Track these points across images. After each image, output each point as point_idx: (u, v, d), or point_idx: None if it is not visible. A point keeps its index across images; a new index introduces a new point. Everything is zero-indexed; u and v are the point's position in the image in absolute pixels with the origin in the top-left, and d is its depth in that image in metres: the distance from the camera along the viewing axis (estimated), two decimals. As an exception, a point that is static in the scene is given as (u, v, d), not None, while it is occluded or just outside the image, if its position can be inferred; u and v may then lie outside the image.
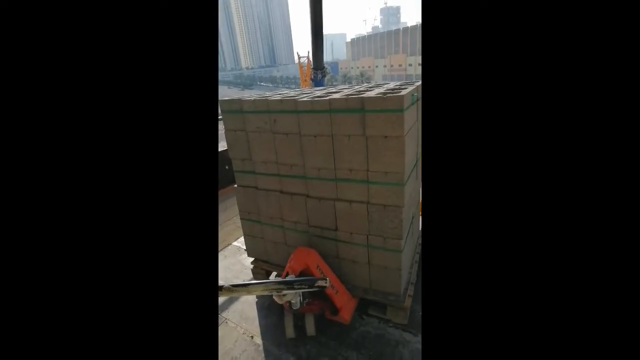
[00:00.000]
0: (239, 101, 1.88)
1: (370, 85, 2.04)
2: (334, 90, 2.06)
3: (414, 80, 2.19)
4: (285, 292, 1.40)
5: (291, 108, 1.68)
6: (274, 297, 1.47)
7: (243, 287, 1.42)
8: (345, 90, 1.97)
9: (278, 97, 1.83)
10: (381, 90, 1.78)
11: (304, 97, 1.74)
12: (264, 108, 1.77)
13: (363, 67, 48.38)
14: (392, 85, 2.04)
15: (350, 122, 1.56)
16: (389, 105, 1.49)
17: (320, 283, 1.39)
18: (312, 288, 1.41)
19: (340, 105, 1.55)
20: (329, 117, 1.59)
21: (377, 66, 47.53)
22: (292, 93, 2.10)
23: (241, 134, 1.93)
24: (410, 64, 40.30)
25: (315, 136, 1.67)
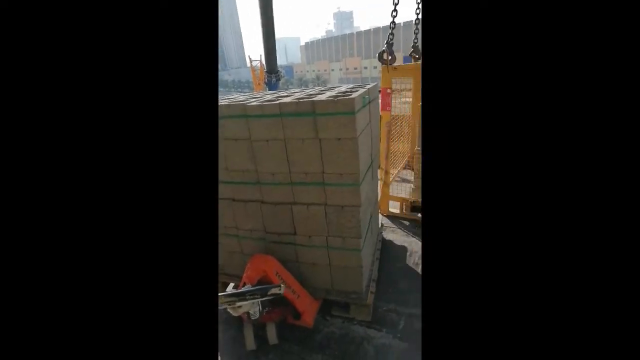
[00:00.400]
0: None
1: (322, 89, 2.05)
2: (284, 94, 2.05)
3: (368, 83, 2.26)
4: (239, 304, 1.35)
5: (239, 113, 1.63)
6: (228, 309, 1.41)
7: None
8: (297, 94, 1.97)
9: (225, 102, 1.78)
10: (333, 93, 1.80)
11: (253, 102, 1.71)
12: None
13: (319, 71, 48.94)
14: (344, 88, 2.08)
15: (302, 125, 1.55)
16: (340, 108, 1.51)
17: (274, 291, 1.36)
18: (265, 297, 1.37)
19: (290, 109, 1.54)
20: (280, 121, 1.57)
21: (332, 69, 48.38)
22: (241, 97, 2.05)
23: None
24: (366, 67, 41.58)
25: (267, 141, 1.64)
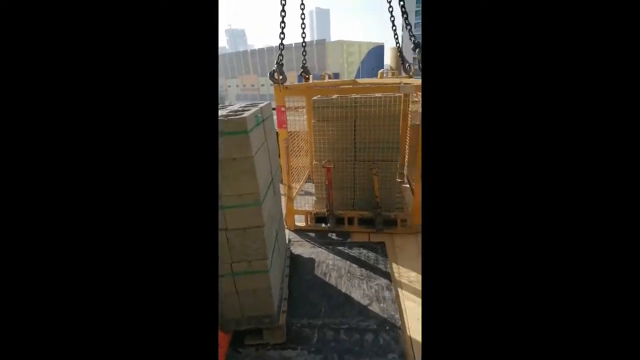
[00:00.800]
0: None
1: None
2: None
3: (265, 101, 2.27)
4: None
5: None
6: None
7: None
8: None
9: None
10: (224, 112, 1.75)
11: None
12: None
13: (216, 87, 47.21)
14: (236, 107, 2.04)
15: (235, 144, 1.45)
16: (232, 127, 1.48)
17: None
18: None
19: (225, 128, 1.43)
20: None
21: (229, 86, 47.43)
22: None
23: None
24: (263, 84, 42.25)
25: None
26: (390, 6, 3.36)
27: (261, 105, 2.00)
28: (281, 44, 2.93)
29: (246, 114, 1.58)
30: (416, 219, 2.92)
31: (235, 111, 1.75)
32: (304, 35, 3.72)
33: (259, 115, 1.81)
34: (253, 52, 47.91)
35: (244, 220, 1.61)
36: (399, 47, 3.89)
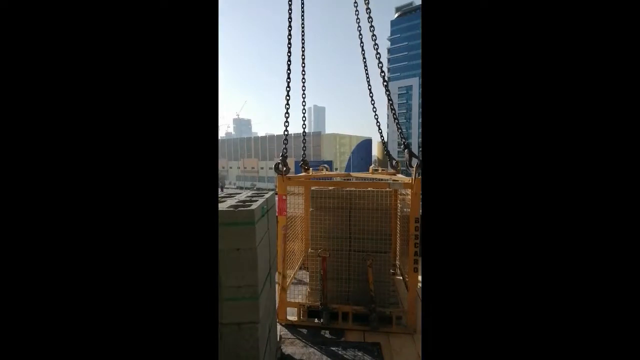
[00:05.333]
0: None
1: (222, 196, 2.09)
2: None
3: (266, 184, 2.41)
4: None
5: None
6: None
7: None
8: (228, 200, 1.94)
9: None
10: (233, 202, 1.85)
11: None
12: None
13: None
14: (243, 196, 2.16)
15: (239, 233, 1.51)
16: (240, 218, 1.56)
17: None
18: None
19: (229, 218, 1.50)
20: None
21: (231, 167, 49.68)
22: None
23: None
24: (262, 167, 44.41)
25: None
26: (375, 107, 3.91)
27: (267, 196, 2.13)
28: (285, 139, 3.27)
29: (254, 205, 1.68)
30: (412, 318, 2.80)
31: (243, 201, 1.86)
32: (304, 130, 4.17)
33: (265, 206, 1.92)
34: (256, 139, 51.98)
35: (239, 315, 1.55)
36: (385, 145, 4.37)
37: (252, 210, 1.59)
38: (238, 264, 1.55)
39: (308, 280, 3.24)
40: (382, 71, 3.32)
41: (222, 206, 1.66)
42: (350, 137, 48.22)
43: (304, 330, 2.85)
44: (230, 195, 2.22)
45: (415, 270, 2.75)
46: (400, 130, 3.45)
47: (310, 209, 3.16)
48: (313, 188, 3.27)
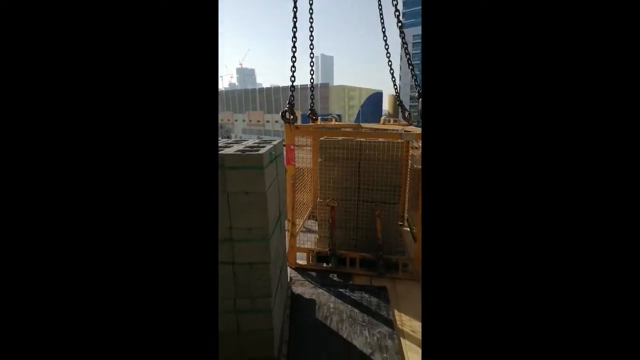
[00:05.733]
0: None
1: (229, 142, 2.05)
2: (221, 146, 1.95)
3: (272, 138, 2.35)
4: None
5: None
6: None
7: None
8: (235, 146, 1.90)
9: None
10: (240, 147, 1.81)
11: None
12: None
13: (222, 120, 48.76)
14: (251, 142, 2.11)
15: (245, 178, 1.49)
16: (249, 162, 1.53)
17: None
18: None
19: (234, 161, 1.47)
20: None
21: (236, 120, 49.00)
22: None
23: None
24: (268, 121, 43.64)
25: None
26: (388, 52, 3.62)
27: (275, 142, 2.07)
28: (292, 86, 3.11)
29: (262, 150, 1.64)
30: (417, 265, 2.88)
31: (251, 147, 1.81)
32: (312, 80, 3.95)
33: (273, 152, 1.87)
34: (261, 90, 50.26)
35: (251, 255, 1.59)
36: (398, 95, 4.12)
37: (261, 154, 1.55)
38: (247, 207, 1.55)
39: (317, 228, 3.32)
40: (398, 13, 3.01)
41: (229, 150, 1.62)
42: (360, 89, 46.25)
43: (313, 274, 2.99)
44: (238, 141, 2.18)
45: (424, 219, 2.77)
46: (415, 77, 3.23)
47: (319, 160, 3.12)
48: (322, 138, 3.19)
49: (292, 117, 2.86)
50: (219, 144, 2.03)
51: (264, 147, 1.79)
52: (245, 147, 1.81)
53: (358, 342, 2.09)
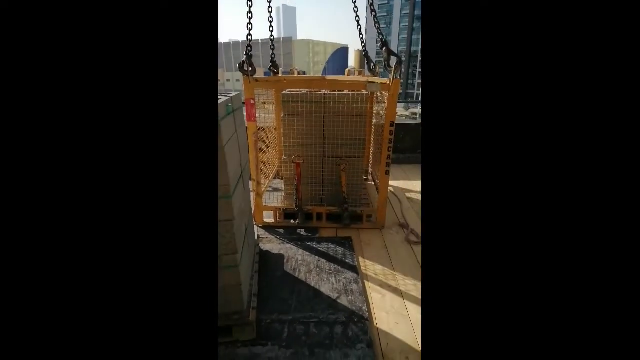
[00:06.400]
0: None
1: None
2: None
3: (231, 92, 2.19)
4: None
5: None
6: None
7: None
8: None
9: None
10: (193, 100, 1.66)
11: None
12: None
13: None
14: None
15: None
16: (203, 115, 1.40)
17: None
18: None
19: None
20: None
21: (228, 80, 45.30)
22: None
23: None
24: (228, 80, 40.86)
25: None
26: (356, 6, 3.42)
27: (231, 95, 1.93)
28: (249, 34, 2.86)
29: (226, 95, 1.52)
30: (381, 215, 3.02)
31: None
32: (271, 28, 3.66)
33: (230, 104, 1.75)
34: (219, 45, 46.23)
35: None
36: (364, 46, 3.98)
37: (222, 102, 1.43)
38: None
39: (283, 187, 3.31)
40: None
41: None
42: (325, 44, 44.23)
43: (281, 231, 3.03)
44: None
45: (387, 173, 2.84)
46: (378, 26, 3.10)
47: (282, 115, 3.00)
48: (284, 91, 3.04)
49: (250, 68, 2.66)
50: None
51: (220, 99, 1.66)
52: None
53: (325, 289, 2.21)
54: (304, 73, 5.23)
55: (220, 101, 1.55)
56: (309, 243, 2.80)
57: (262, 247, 2.72)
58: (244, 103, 2.57)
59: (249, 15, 2.82)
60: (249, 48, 2.80)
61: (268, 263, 2.50)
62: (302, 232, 3.01)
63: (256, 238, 2.73)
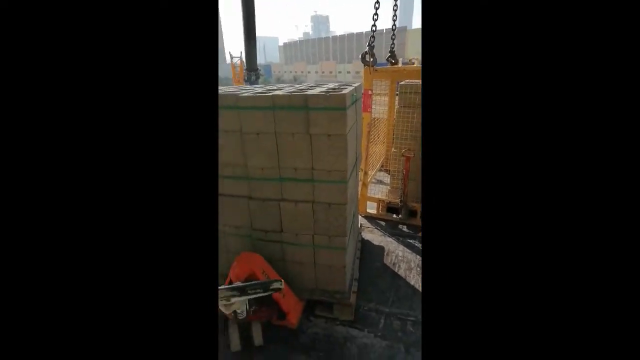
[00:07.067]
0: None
1: (311, 85, 2.04)
2: (274, 88, 2.01)
3: (351, 83, 2.27)
4: (233, 300, 1.29)
5: (231, 104, 1.57)
6: (220, 307, 1.34)
7: None
8: (287, 88, 1.94)
9: (220, 92, 1.70)
10: (323, 89, 1.79)
11: (244, 93, 1.65)
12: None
13: (296, 72, 48.92)
14: (331, 85, 2.08)
15: (294, 119, 1.52)
16: (332, 103, 1.51)
17: (275, 285, 1.31)
18: (266, 292, 1.32)
19: (283, 102, 1.51)
20: (272, 114, 1.53)
21: (309, 72, 48.52)
22: (231, 89, 1.97)
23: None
24: (340, 71, 42.20)
25: (257, 134, 1.59)
26: None
27: (355, 85, 2.00)
28: (374, 25, 2.87)
29: (345, 91, 1.59)
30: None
31: (334, 88, 1.78)
32: (395, 17, 3.57)
33: (354, 94, 1.81)
34: (334, 38, 48.07)
35: (330, 196, 1.66)
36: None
37: (344, 94, 1.51)
38: (328, 149, 1.58)
39: (389, 180, 3.27)
40: None
41: (312, 92, 1.62)
42: (444, 32, 40.44)
43: (382, 223, 3.02)
44: (319, 84, 2.16)
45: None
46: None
47: (397, 107, 2.94)
48: (402, 82, 2.96)
49: (372, 59, 2.68)
50: (303, 87, 2.05)
51: (346, 88, 1.74)
52: (328, 89, 1.79)
53: (427, 291, 2.11)
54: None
55: (346, 90, 1.62)
56: (411, 240, 2.71)
57: (363, 236, 2.77)
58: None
59: (377, 5, 2.82)
60: (372, 39, 2.81)
61: (368, 252, 2.54)
62: (404, 228, 2.93)
63: (359, 226, 2.80)
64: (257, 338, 1.60)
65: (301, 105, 1.50)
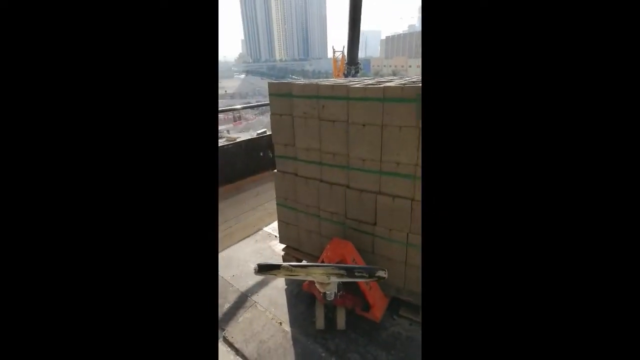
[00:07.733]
0: (288, 85, 1.85)
1: (393, 77, 1.97)
2: (384, 80, 1.99)
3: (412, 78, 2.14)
4: (332, 279, 1.37)
5: (342, 94, 1.63)
6: (316, 285, 1.44)
7: (302, 268, 1.40)
8: (396, 80, 1.90)
9: (329, 83, 1.79)
10: (402, 81, 1.72)
11: (355, 84, 1.69)
12: (313, 93, 1.73)
13: (395, 66, 47.43)
14: (415, 78, 1.95)
15: (403, 112, 1.49)
16: (405, 95, 1.45)
17: (380, 273, 1.33)
18: (371, 278, 1.36)
19: (395, 94, 1.49)
20: (382, 105, 1.52)
21: (410, 66, 46.39)
22: (340, 80, 2.05)
23: (286, 118, 1.90)
24: (410, 66, 39.05)
25: (363, 125, 1.61)
26: None
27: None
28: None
29: (419, 83, 1.52)
30: None
31: (413, 81, 1.72)
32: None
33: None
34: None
35: (395, 189, 1.64)
36: None
37: (419, 86, 1.42)
38: (398, 142, 1.53)
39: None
40: None
41: (390, 84, 1.60)
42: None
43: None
44: (401, 77, 2.06)
45: None
46: None
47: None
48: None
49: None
50: (414, 79, 1.98)
51: (415, 84, 1.63)
52: (407, 81, 1.72)
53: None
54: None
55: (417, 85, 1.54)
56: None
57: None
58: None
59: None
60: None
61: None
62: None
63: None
64: (340, 322, 1.66)
65: (412, 98, 1.45)
